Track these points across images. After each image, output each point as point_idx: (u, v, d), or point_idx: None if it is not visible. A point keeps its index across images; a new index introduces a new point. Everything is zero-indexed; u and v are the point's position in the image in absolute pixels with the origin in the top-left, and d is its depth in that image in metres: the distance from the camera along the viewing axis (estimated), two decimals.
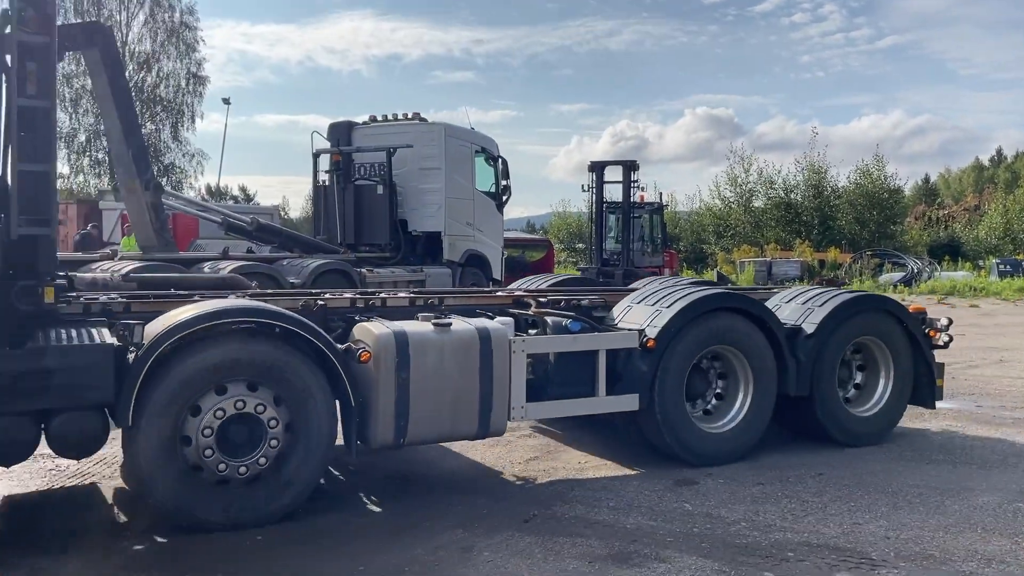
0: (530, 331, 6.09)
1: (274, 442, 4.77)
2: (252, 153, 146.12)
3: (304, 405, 4.81)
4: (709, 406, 6.38)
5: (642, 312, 6.21)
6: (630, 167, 21.90)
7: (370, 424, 4.96)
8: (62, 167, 43.02)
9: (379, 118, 15.67)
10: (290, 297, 6.28)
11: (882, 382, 6.92)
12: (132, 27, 41.85)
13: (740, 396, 6.33)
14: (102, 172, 42.90)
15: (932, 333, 6.96)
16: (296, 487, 4.85)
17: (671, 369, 5.96)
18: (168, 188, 16.98)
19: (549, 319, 6.01)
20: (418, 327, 5.18)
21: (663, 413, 5.95)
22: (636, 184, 22.06)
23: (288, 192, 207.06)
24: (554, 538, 4.70)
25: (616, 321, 6.32)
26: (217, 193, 39.40)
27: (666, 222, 27.15)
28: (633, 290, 7.00)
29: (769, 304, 6.76)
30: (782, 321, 6.52)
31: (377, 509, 5.31)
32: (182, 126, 45.22)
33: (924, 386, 6.98)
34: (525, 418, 5.67)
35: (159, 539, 4.68)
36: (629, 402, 5.88)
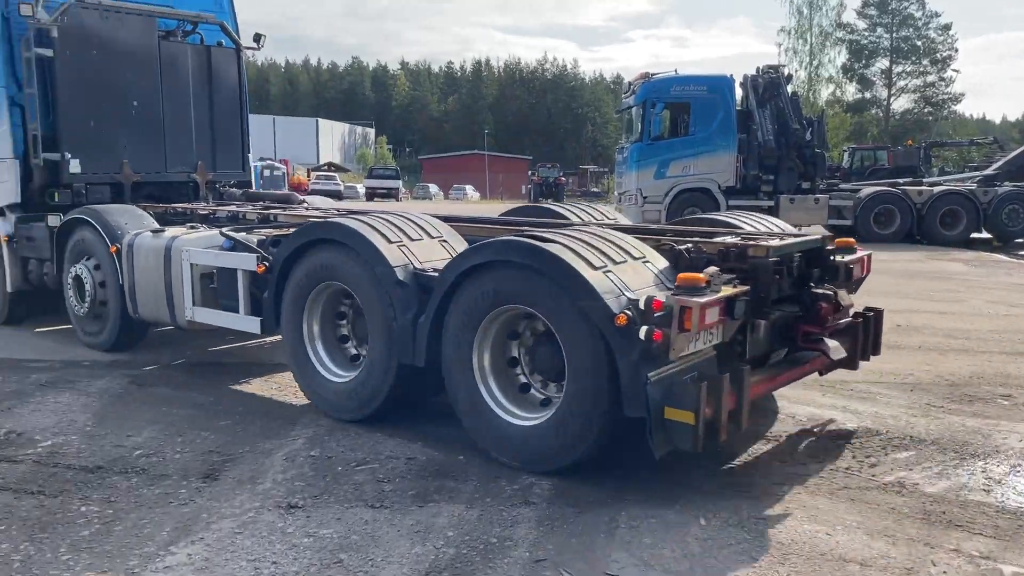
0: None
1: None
2: None
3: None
4: (351, 349, 5.52)
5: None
6: None
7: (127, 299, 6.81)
8: None
9: None
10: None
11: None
12: None
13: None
14: None
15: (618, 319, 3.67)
16: None
17: (288, 298, 5.54)
18: None
19: (228, 236, 6.24)
20: (144, 234, 6.70)
21: (289, 347, 5.59)
22: None
23: None
24: None
25: None
26: None
27: None
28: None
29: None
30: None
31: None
32: None
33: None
34: (193, 320, 6.31)
35: None
36: (252, 324, 5.93)
